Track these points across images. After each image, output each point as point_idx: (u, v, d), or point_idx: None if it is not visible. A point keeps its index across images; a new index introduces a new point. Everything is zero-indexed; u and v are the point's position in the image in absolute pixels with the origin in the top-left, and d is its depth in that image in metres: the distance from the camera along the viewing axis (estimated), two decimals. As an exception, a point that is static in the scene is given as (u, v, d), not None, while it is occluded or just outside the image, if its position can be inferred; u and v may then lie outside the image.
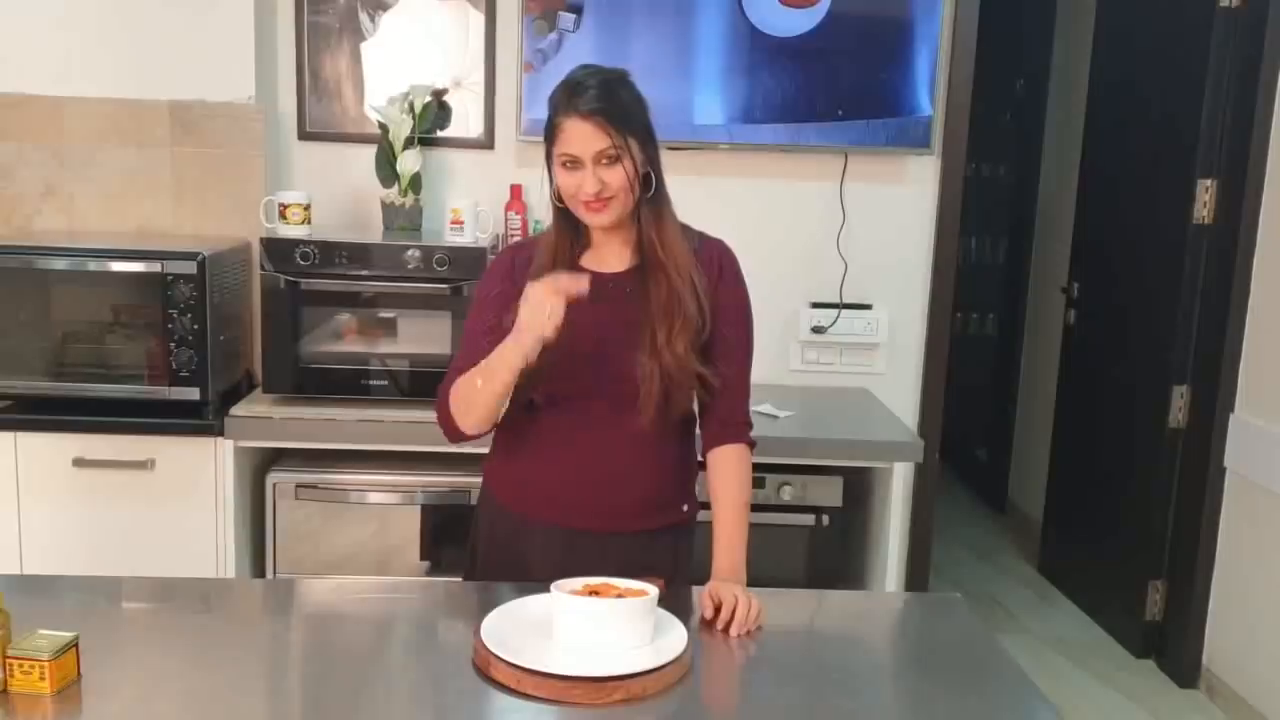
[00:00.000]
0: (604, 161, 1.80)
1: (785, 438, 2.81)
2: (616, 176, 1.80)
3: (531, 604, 1.67)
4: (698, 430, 1.99)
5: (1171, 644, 3.66)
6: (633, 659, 1.52)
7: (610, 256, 1.92)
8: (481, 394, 1.81)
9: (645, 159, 1.83)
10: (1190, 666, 3.57)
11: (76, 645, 1.46)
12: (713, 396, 1.92)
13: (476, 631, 1.58)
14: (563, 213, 1.89)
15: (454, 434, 1.90)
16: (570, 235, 1.91)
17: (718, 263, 1.93)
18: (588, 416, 1.89)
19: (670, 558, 1.95)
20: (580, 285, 1.74)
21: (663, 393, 1.84)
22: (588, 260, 1.91)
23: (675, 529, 1.99)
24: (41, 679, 1.41)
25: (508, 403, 1.89)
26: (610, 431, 1.89)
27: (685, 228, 1.93)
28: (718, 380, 1.91)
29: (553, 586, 1.62)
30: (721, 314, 1.91)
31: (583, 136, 1.79)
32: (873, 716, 1.59)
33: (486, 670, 1.52)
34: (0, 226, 3.11)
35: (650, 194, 1.86)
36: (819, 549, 2.91)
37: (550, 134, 1.84)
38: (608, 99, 1.80)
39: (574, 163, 1.81)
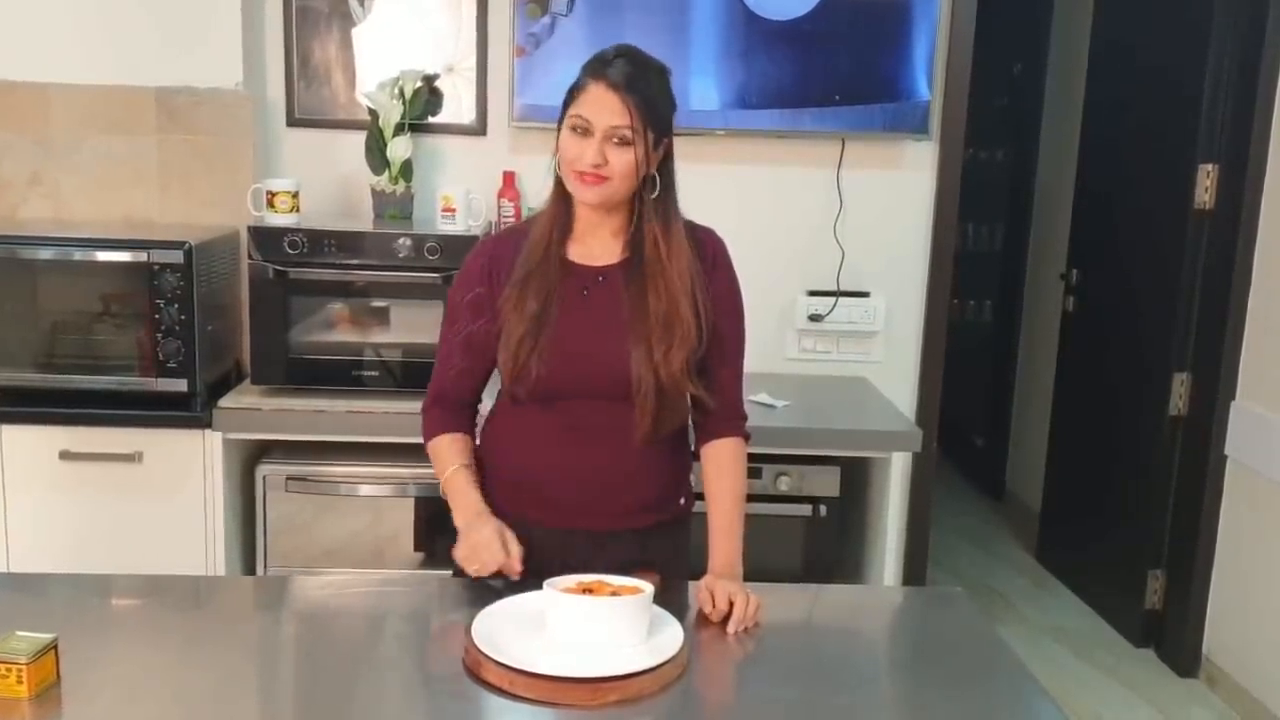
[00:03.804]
0: (614, 140, 1.73)
1: (782, 427, 2.78)
2: (621, 159, 1.73)
3: (523, 601, 1.64)
4: (690, 423, 1.95)
5: (1171, 633, 3.64)
6: (628, 658, 1.49)
7: (597, 247, 1.85)
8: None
9: (656, 158, 1.77)
10: (1190, 656, 3.56)
11: (55, 647, 1.42)
12: (707, 398, 1.88)
13: (468, 630, 1.54)
14: (561, 183, 1.83)
15: None
16: (563, 211, 1.83)
17: (710, 253, 1.87)
18: (576, 416, 1.83)
19: (668, 553, 1.91)
20: (515, 571, 1.76)
21: (657, 407, 1.79)
22: (573, 251, 1.85)
23: (672, 524, 1.95)
24: (19, 683, 1.37)
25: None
26: (600, 431, 1.83)
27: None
28: (711, 400, 1.87)
29: (545, 584, 1.59)
30: (715, 307, 1.85)
31: (602, 105, 1.73)
32: (872, 713, 1.56)
33: (478, 672, 1.48)
34: (-15, 216, 3.07)
35: (655, 195, 1.79)
36: (816, 539, 2.88)
37: (570, 95, 1.77)
38: (641, 80, 1.75)
39: (584, 129, 1.74)
